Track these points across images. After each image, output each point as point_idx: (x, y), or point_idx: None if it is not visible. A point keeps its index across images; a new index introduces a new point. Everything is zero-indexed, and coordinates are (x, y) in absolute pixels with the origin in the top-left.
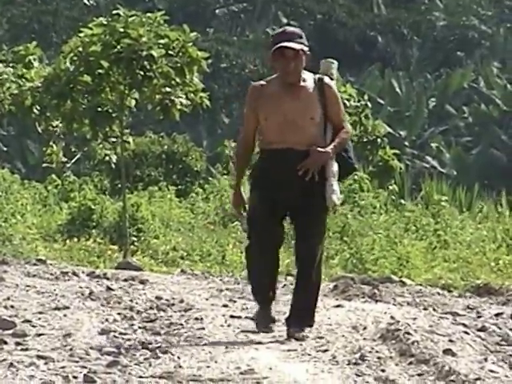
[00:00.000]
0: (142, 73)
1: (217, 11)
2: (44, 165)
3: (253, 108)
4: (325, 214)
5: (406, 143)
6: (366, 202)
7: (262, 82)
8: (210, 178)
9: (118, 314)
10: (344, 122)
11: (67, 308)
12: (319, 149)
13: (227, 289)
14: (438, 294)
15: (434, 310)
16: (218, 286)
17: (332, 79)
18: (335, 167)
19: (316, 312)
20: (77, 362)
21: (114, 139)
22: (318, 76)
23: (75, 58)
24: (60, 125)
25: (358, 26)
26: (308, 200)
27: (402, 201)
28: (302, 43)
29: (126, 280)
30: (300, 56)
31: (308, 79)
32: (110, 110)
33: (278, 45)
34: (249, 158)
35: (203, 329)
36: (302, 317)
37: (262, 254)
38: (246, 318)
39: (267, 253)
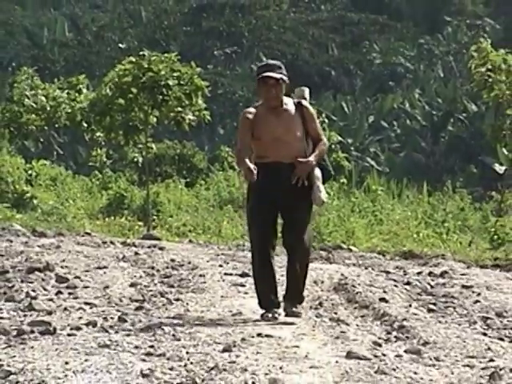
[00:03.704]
0: (160, 97)
1: (215, 52)
2: (90, 164)
3: (248, 128)
4: (310, 210)
5: (352, 148)
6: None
7: (252, 109)
8: (210, 174)
9: (143, 271)
10: (321, 136)
11: (106, 267)
12: (303, 159)
13: (222, 254)
14: (375, 257)
15: (372, 269)
16: (216, 252)
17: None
18: (319, 172)
19: None
20: (113, 306)
21: (140, 145)
22: (296, 100)
23: (112, 86)
24: (101, 135)
25: (317, 63)
26: (296, 200)
27: (352, 190)
28: (281, 73)
29: (149, 247)
30: (280, 84)
31: (289, 103)
32: (138, 124)
33: (261, 75)
34: (249, 153)
35: (205, 283)
36: (293, 298)
37: (263, 265)
38: (236, 275)
39: (266, 263)
